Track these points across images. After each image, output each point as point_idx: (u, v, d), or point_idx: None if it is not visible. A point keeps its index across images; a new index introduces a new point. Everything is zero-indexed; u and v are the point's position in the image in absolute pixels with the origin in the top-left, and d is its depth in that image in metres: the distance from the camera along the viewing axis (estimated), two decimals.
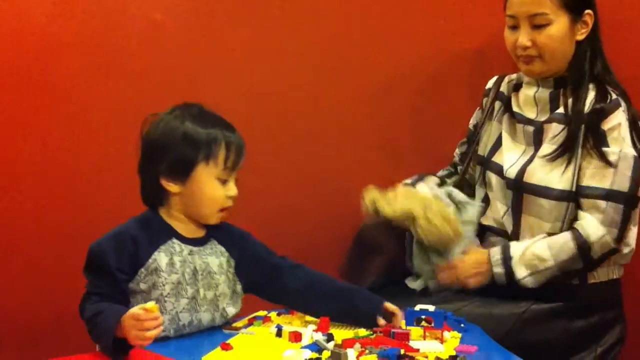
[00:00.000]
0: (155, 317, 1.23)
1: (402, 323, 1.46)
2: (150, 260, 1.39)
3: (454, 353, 1.27)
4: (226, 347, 1.30)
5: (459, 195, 1.86)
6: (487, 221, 1.86)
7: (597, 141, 1.70)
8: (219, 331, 1.44)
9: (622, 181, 1.68)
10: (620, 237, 1.69)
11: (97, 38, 2.13)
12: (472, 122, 2.02)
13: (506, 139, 1.87)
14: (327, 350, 1.26)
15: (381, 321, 1.43)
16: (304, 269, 1.54)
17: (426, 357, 1.23)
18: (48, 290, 2.11)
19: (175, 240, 1.43)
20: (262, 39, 2.20)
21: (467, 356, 1.24)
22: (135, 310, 1.23)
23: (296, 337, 1.36)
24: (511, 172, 1.79)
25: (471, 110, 2.07)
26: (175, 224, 1.45)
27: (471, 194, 1.93)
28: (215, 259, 1.47)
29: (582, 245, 1.67)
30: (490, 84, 1.99)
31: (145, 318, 1.21)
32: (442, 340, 1.35)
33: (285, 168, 2.22)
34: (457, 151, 2.06)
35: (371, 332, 1.39)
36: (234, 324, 1.47)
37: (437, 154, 2.17)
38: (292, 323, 1.49)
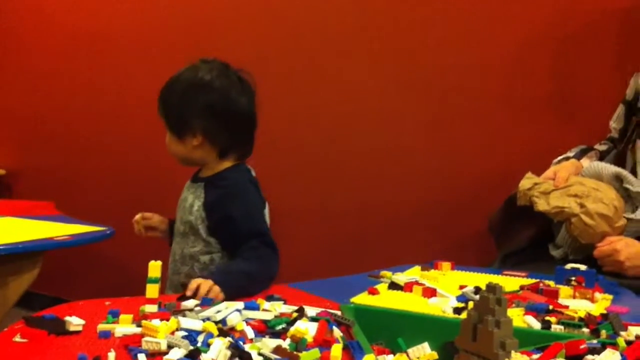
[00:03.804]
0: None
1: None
2: None
3: (605, 312, 1.24)
4: (373, 292, 1.33)
5: (635, 183, 1.74)
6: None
7: None
8: (364, 277, 1.47)
9: None
10: None
11: None
12: (629, 92, 1.90)
13: None
14: (473, 300, 1.26)
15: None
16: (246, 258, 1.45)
17: (576, 313, 1.21)
18: None
19: None
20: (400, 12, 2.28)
21: (619, 316, 1.20)
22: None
23: (430, 292, 1.33)
24: None
25: (617, 75, 1.96)
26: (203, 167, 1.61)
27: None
28: (193, 198, 1.55)
29: None
30: None
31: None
32: (592, 300, 1.32)
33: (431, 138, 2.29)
34: (613, 125, 1.95)
35: (518, 289, 1.37)
36: (381, 272, 1.49)
37: (580, 125, 2.10)
38: (437, 279, 1.48)
